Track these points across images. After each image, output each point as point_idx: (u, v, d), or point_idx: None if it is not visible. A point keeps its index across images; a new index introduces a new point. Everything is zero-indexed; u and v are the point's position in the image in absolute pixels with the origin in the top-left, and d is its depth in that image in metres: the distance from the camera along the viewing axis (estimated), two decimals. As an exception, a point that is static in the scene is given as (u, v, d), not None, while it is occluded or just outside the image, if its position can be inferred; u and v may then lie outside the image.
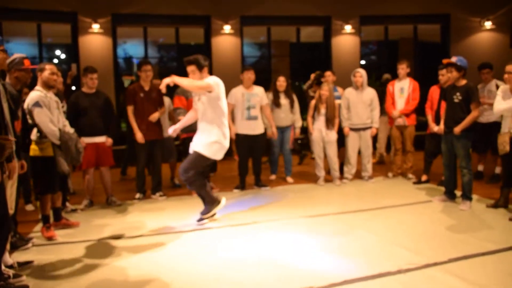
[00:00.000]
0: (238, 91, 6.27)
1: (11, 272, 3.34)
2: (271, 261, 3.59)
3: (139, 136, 5.77)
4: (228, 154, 7.88)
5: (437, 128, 5.59)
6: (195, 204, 5.15)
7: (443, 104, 5.39)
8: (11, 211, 3.42)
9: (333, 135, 6.45)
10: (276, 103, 6.67)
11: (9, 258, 3.53)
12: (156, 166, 5.99)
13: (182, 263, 3.65)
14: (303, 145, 8.87)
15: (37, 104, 4.30)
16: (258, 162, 6.48)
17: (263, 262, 3.59)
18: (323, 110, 6.41)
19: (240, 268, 3.47)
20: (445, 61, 5.21)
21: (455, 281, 3.09)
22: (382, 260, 3.53)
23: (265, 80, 10.48)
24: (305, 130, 8.04)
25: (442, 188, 5.58)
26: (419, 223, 4.56)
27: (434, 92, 6.24)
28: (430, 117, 6.17)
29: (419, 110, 6.75)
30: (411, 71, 6.81)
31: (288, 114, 6.75)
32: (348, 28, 11.05)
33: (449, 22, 11.41)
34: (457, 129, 4.97)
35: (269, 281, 3.22)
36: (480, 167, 6.69)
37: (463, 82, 5.04)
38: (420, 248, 3.77)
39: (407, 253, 3.66)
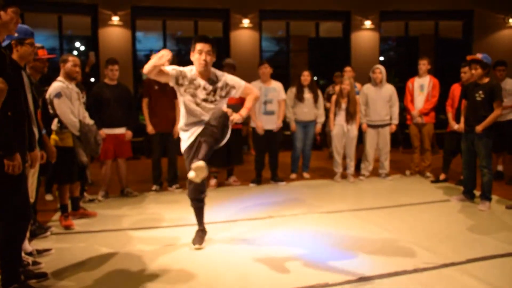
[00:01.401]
0: (256, 85, 6.25)
1: (30, 259, 3.41)
2: (286, 256, 3.59)
3: (150, 129, 5.84)
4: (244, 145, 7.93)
5: (457, 126, 5.51)
6: (211, 197, 5.16)
7: (464, 102, 5.30)
8: (31, 200, 3.48)
9: (354, 131, 6.40)
10: (299, 97, 6.59)
11: (28, 246, 3.61)
12: (171, 159, 6.03)
13: (197, 255, 3.67)
14: (322, 141, 8.81)
15: (58, 94, 4.37)
16: (274, 157, 6.47)
17: (277, 256, 3.59)
18: (344, 105, 6.35)
19: (254, 262, 3.48)
20: (469, 57, 5.10)
21: (473, 282, 3.04)
22: (398, 259, 3.50)
23: (283, 75, 10.47)
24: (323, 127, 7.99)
25: (461, 188, 5.50)
26: (437, 222, 4.51)
27: (456, 89, 6.14)
28: (450, 115, 6.08)
29: (439, 108, 6.66)
30: (431, 68, 6.70)
31: (312, 109, 6.63)
32: (367, 23, 10.94)
33: (472, 18, 11.20)
34: (479, 128, 4.88)
35: (283, 276, 3.21)
36: (500, 167, 6.57)
37: (486, 80, 4.94)
38: (437, 248, 3.72)
39: (424, 252, 3.62)
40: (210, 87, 3.69)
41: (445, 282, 3.07)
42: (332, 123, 6.48)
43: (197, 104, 3.68)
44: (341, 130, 6.42)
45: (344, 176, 6.60)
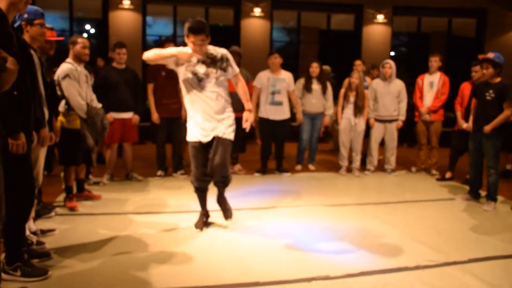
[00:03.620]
0: (264, 75, 6.23)
1: (34, 238, 3.44)
2: (287, 248, 3.59)
3: (155, 117, 5.81)
4: (251, 137, 7.91)
5: (465, 125, 5.46)
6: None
7: (474, 101, 5.24)
8: (39, 180, 3.50)
9: (361, 125, 6.36)
10: (307, 88, 6.54)
11: (33, 225, 3.64)
12: (176, 145, 6.02)
13: (198, 241, 3.68)
14: (327, 133, 8.76)
15: (67, 76, 4.36)
16: (280, 147, 6.46)
17: (279, 247, 3.59)
18: (352, 98, 6.31)
19: (255, 251, 3.49)
20: (481, 56, 5.04)
21: (474, 282, 3.03)
22: (400, 254, 3.49)
23: (292, 66, 10.41)
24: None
25: (466, 187, 5.47)
26: (441, 220, 4.49)
27: (465, 88, 6.08)
28: (459, 114, 6.03)
29: (448, 105, 6.60)
30: (442, 66, 6.63)
31: (320, 100, 6.57)
32: (380, 17, 10.84)
33: (485, 17, 11.07)
34: (488, 128, 4.83)
35: (283, 267, 3.21)
36: (509, 166, 6.55)
37: (497, 79, 4.88)
38: (440, 246, 3.70)
39: (426, 250, 3.61)
40: (208, 60, 3.74)
41: (447, 280, 3.06)
42: (339, 117, 6.44)
43: (199, 81, 3.71)
44: (349, 123, 6.39)
45: (349, 170, 6.58)
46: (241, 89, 3.90)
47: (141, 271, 3.07)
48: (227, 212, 4.10)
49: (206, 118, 3.76)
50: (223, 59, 3.78)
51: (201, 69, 3.72)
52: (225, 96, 3.83)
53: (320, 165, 7.05)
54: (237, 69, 3.90)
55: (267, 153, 6.45)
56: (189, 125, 3.89)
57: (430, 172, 6.61)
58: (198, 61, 3.73)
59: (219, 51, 3.81)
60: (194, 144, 3.85)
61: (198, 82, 3.72)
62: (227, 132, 3.80)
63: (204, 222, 4.00)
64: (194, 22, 3.62)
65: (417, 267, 3.25)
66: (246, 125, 3.82)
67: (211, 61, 3.75)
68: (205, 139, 3.80)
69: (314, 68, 6.55)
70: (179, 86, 5.81)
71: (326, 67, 8.30)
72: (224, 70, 3.79)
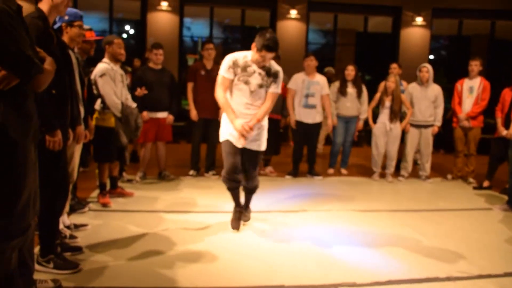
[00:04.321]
0: (299, 77, 6.21)
1: (68, 232, 3.55)
2: (315, 251, 3.56)
3: (194, 114, 5.90)
4: (284, 139, 7.90)
5: (505, 133, 5.27)
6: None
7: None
8: (74, 176, 3.61)
9: (397, 130, 6.22)
10: (342, 92, 6.48)
11: (67, 219, 3.76)
12: (211, 145, 6.08)
13: (226, 242, 3.70)
14: (361, 137, 8.62)
15: (103, 76, 4.48)
16: (313, 151, 6.41)
17: (306, 251, 3.56)
18: (388, 103, 6.18)
19: (281, 255, 3.47)
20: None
21: (509, 296, 2.92)
22: (431, 264, 3.39)
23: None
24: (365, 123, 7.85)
25: (505, 197, 5.27)
26: (476, 231, 4.33)
27: (507, 94, 5.85)
28: (499, 120, 5.81)
29: (488, 111, 6.38)
30: (482, 70, 6.41)
31: (355, 104, 6.48)
32: (419, 20, 10.60)
33: (531, 20, 10.64)
34: (529, 136, 4.64)
35: (310, 271, 3.19)
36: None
37: (540, 85, 4.68)
38: (473, 257, 3.58)
39: (459, 261, 3.50)
40: (263, 72, 3.81)
41: (479, 293, 2.96)
42: (371, 120, 6.34)
43: (251, 92, 3.79)
44: (383, 128, 6.26)
45: (382, 175, 6.46)
46: (266, 108, 3.86)
47: (168, 269, 3.12)
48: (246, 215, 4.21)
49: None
50: (274, 75, 3.84)
51: (255, 80, 3.78)
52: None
53: (353, 169, 6.95)
54: (278, 91, 3.92)
55: (299, 156, 6.42)
56: (225, 127, 3.93)
57: (467, 180, 6.40)
58: (255, 72, 3.79)
59: (275, 66, 3.87)
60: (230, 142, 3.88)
61: (250, 93, 3.79)
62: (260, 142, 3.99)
63: (239, 220, 4.04)
64: (271, 41, 3.64)
65: (448, 279, 3.15)
66: (240, 142, 3.81)
67: (266, 74, 3.82)
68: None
69: (350, 71, 6.46)
70: None
71: (330, 69, 8.25)
72: (268, 86, 3.84)
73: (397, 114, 6.17)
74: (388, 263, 3.41)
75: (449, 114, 7.14)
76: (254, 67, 3.77)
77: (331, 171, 6.76)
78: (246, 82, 3.77)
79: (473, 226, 4.47)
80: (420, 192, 5.91)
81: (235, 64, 3.77)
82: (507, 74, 6.01)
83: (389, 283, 3.04)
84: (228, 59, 3.81)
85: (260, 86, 3.80)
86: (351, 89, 6.48)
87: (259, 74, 3.79)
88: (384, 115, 6.23)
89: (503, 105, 5.86)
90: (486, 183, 6.06)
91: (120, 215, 4.33)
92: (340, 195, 5.48)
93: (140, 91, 5.19)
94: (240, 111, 3.82)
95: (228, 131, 3.88)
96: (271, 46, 3.64)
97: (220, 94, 3.81)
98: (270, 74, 3.82)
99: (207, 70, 5.92)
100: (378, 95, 6.32)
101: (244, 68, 3.76)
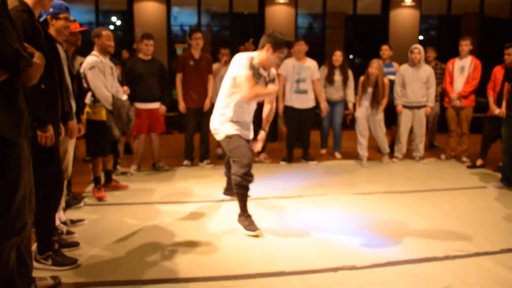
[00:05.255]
0: (289, 62, 6.17)
1: (64, 228, 3.53)
2: (314, 236, 3.57)
3: (182, 106, 5.87)
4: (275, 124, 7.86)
5: (498, 111, 5.28)
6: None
7: (507, 86, 5.06)
8: (68, 171, 3.57)
9: (378, 114, 6.14)
10: (329, 80, 6.49)
11: (63, 215, 3.73)
12: (204, 134, 6.05)
13: (223, 231, 3.70)
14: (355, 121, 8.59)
15: (92, 68, 4.41)
16: (306, 136, 6.41)
17: (304, 237, 3.58)
18: (370, 89, 6.08)
19: (280, 241, 3.48)
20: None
21: (507, 273, 2.94)
22: (428, 244, 3.42)
23: (318, 53, 10.27)
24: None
25: (498, 175, 5.31)
26: (471, 209, 4.37)
27: (498, 72, 5.87)
28: (491, 99, 5.83)
29: (479, 90, 6.39)
30: (473, 49, 6.41)
31: (340, 90, 6.55)
32: (408, 0, 10.55)
33: (520, -4, 10.63)
34: (521, 113, 4.66)
35: (309, 257, 3.20)
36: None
37: (531, 62, 4.69)
38: (470, 235, 3.61)
39: (456, 239, 3.53)
40: (267, 77, 3.78)
41: (478, 271, 2.98)
42: (357, 106, 6.29)
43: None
44: (365, 111, 6.17)
45: (375, 158, 6.46)
46: (273, 109, 3.99)
47: (167, 260, 3.11)
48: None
49: (244, 126, 3.83)
50: (272, 80, 3.82)
51: (262, 85, 3.75)
52: None
53: (346, 153, 6.95)
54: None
55: (293, 142, 6.41)
56: (229, 124, 3.75)
57: (461, 160, 6.44)
58: (262, 76, 3.73)
59: (273, 71, 3.86)
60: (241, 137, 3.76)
61: None
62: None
63: (253, 221, 3.68)
64: (290, 40, 3.66)
65: (446, 257, 3.18)
66: (258, 146, 3.91)
67: (269, 79, 3.80)
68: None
69: (338, 57, 6.46)
70: (209, 76, 5.91)
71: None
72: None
73: (379, 101, 6.06)
74: (386, 244, 3.43)
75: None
76: (261, 71, 3.71)
77: (323, 151, 6.94)
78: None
79: (469, 205, 4.50)
80: (415, 173, 5.94)
81: (251, 65, 3.61)
82: (499, 52, 6.01)
83: (388, 265, 3.06)
84: (244, 59, 3.61)
85: None
86: (338, 77, 6.52)
87: (264, 78, 3.75)
88: (366, 101, 6.16)
89: (494, 83, 5.88)
90: (479, 162, 6.10)
91: (116, 208, 4.31)
92: (335, 179, 5.49)
93: (126, 90, 5.08)
94: (244, 120, 3.76)
95: (237, 132, 3.73)
96: (292, 42, 3.69)
97: (254, 90, 3.57)
98: (272, 77, 3.81)
99: (195, 59, 5.86)
100: (361, 79, 6.19)
101: (257, 71, 3.68)
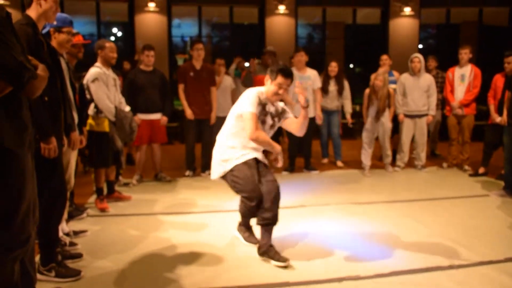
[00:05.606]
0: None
1: (67, 239, 3.52)
2: (317, 247, 3.56)
3: (189, 113, 5.87)
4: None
5: (499, 119, 5.29)
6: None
7: (508, 94, 5.07)
8: (71, 183, 3.57)
9: (386, 122, 6.18)
10: (324, 89, 6.55)
11: (66, 226, 3.73)
12: (206, 145, 6.06)
13: (226, 242, 3.69)
14: (355, 130, 8.64)
15: (95, 80, 4.44)
16: (307, 145, 6.42)
17: (308, 247, 3.57)
18: (376, 101, 6.12)
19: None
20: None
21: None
22: (432, 254, 3.40)
23: (318, 62, 10.31)
24: (356, 115, 7.88)
25: (501, 183, 5.30)
26: (474, 217, 4.36)
27: (498, 80, 5.89)
28: (492, 107, 5.84)
29: (480, 98, 6.41)
30: (473, 57, 6.43)
31: (335, 100, 6.66)
32: (407, 10, 10.62)
33: (518, 5, 10.70)
34: (523, 121, 4.67)
35: (313, 267, 3.19)
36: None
37: (532, 70, 4.71)
38: (474, 244, 3.60)
39: (460, 248, 3.51)
40: (274, 112, 3.62)
41: (482, 280, 2.97)
42: (365, 117, 6.31)
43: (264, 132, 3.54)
44: (373, 124, 6.21)
45: (378, 167, 6.45)
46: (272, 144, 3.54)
47: (171, 271, 3.10)
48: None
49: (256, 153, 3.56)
50: (282, 111, 3.65)
51: (270, 120, 3.58)
52: None
53: (349, 162, 6.95)
54: (291, 115, 3.70)
55: (294, 151, 6.42)
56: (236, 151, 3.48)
57: (462, 168, 6.44)
58: (269, 111, 3.55)
59: (279, 105, 3.66)
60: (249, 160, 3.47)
61: (262, 128, 3.53)
62: None
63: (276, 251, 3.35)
64: (285, 67, 3.45)
65: (450, 267, 3.17)
66: (280, 164, 3.58)
67: (276, 114, 3.61)
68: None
69: (333, 68, 6.56)
70: (211, 87, 5.92)
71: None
72: (279, 119, 3.66)
73: (380, 113, 6.08)
74: (390, 254, 3.41)
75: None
76: (270, 106, 3.54)
77: (325, 160, 6.97)
78: (263, 122, 3.54)
79: (472, 213, 4.49)
80: (417, 181, 5.93)
81: (259, 101, 3.43)
82: (498, 60, 6.03)
83: (392, 274, 3.05)
84: (254, 95, 3.43)
85: (272, 126, 3.60)
86: (333, 87, 6.59)
87: (270, 114, 3.56)
88: (373, 112, 6.18)
89: (495, 91, 5.89)
90: (481, 170, 6.10)
91: (119, 219, 4.30)
92: (337, 188, 5.49)
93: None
94: (251, 145, 3.48)
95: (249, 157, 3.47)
96: (287, 70, 3.40)
97: (258, 134, 3.35)
98: (280, 112, 3.62)
99: (196, 70, 5.89)
100: (367, 92, 6.24)
101: (263, 106, 3.50)
